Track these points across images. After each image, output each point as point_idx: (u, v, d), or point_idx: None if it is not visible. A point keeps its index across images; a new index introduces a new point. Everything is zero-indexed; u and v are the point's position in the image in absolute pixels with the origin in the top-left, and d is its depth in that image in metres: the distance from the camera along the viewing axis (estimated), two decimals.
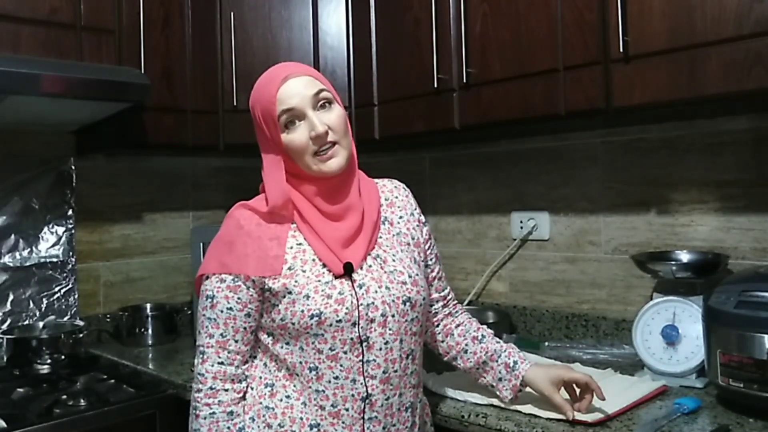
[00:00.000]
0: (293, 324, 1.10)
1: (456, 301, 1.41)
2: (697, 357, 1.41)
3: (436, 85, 1.73)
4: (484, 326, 1.39)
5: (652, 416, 1.26)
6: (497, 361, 1.31)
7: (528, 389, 1.30)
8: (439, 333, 1.36)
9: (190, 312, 2.20)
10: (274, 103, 1.13)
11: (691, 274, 1.51)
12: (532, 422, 1.24)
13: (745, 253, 1.58)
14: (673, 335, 1.44)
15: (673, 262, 1.55)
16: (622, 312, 1.79)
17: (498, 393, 1.32)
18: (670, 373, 1.45)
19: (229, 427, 1.13)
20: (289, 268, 1.13)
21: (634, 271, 1.68)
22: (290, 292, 1.11)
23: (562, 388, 1.28)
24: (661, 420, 1.23)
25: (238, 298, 1.13)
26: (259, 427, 1.13)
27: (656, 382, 1.43)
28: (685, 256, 1.58)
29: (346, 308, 1.10)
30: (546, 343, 1.78)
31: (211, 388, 1.13)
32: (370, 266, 1.16)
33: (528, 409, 1.29)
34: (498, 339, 1.36)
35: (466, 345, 1.34)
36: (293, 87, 1.14)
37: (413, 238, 1.27)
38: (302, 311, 1.09)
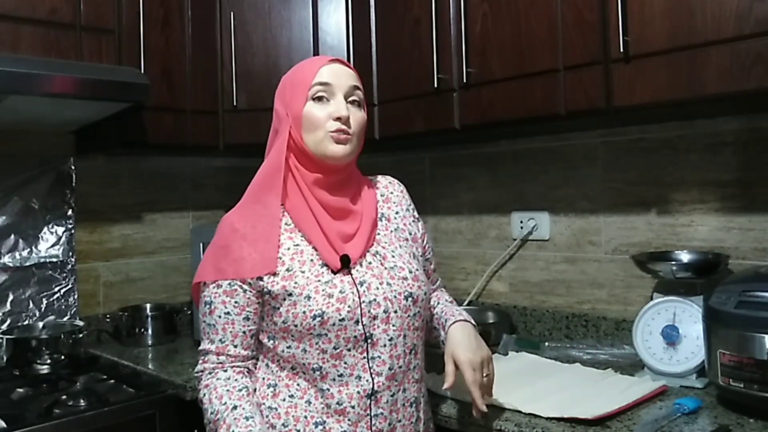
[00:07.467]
0: (296, 326, 1.10)
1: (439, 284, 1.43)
2: (698, 357, 1.41)
3: (436, 85, 1.73)
4: (442, 291, 1.39)
5: (653, 416, 1.26)
6: (437, 327, 1.28)
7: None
8: None
9: (189, 312, 2.20)
10: (314, 74, 1.16)
11: (692, 274, 1.51)
12: (532, 422, 1.24)
13: (745, 253, 1.57)
14: (674, 335, 1.44)
15: (673, 262, 1.55)
16: (623, 312, 1.79)
17: None
18: (671, 373, 1.45)
19: (246, 386, 1.14)
20: (288, 270, 1.12)
21: (634, 271, 1.68)
22: (290, 294, 1.10)
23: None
24: (661, 420, 1.23)
25: (236, 302, 1.14)
26: None
27: (656, 382, 1.43)
28: (685, 256, 1.58)
29: (348, 306, 1.10)
30: (546, 344, 1.78)
31: (215, 368, 1.16)
32: (370, 263, 1.16)
33: (528, 408, 1.29)
34: (448, 302, 1.34)
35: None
36: (337, 69, 1.18)
37: (411, 234, 1.27)
38: (304, 312, 1.09)
